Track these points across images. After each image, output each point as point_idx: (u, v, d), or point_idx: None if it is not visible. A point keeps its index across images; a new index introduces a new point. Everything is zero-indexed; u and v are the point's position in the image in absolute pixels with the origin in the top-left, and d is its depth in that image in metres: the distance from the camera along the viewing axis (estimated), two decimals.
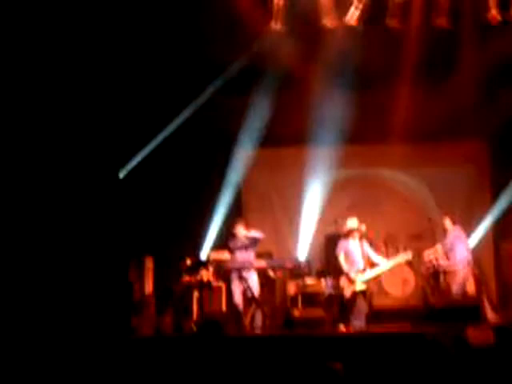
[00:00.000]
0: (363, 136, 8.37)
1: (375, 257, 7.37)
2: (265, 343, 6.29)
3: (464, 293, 7.47)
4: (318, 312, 7.47)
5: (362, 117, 8.01)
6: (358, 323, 6.99)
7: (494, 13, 7.23)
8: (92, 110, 7.31)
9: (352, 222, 7.41)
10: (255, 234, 7.46)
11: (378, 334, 6.32)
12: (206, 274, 7.66)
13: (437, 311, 6.60)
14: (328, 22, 7.39)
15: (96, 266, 7.06)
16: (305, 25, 7.52)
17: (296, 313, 7.49)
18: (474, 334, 4.28)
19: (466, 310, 6.15)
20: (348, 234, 7.35)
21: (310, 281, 8.01)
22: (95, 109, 7.33)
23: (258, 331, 7.15)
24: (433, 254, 7.74)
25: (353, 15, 7.36)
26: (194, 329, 7.10)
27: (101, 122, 7.38)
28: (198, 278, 7.59)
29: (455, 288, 7.48)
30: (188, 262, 7.73)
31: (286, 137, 8.59)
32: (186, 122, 8.21)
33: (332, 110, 7.97)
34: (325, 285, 7.91)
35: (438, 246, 7.74)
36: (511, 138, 8.76)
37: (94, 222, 7.18)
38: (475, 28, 7.57)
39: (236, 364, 5.16)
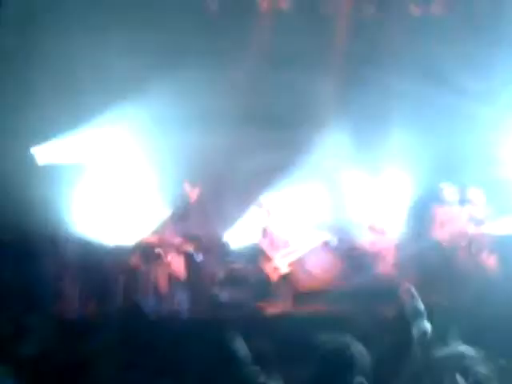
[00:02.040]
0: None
1: (298, 240, 7.51)
2: (190, 326, 6.31)
3: (385, 273, 7.69)
4: (244, 295, 7.52)
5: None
6: (284, 305, 7.10)
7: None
8: None
9: (276, 208, 7.54)
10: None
11: (303, 314, 6.45)
12: (132, 258, 7.55)
13: (358, 291, 6.78)
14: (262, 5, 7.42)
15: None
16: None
17: (223, 296, 7.52)
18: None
19: (385, 291, 6.33)
20: (269, 218, 7.49)
21: (237, 264, 8.05)
22: None
23: (184, 315, 7.13)
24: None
25: None
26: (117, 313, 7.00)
27: None
28: (123, 261, 7.47)
29: (377, 268, 7.70)
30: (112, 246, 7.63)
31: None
32: None
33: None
34: (251, 268, 7.97)
35: None
36: None
37: None
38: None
39: (160, 347, 5.14)
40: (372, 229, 7.85)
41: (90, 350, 5.06)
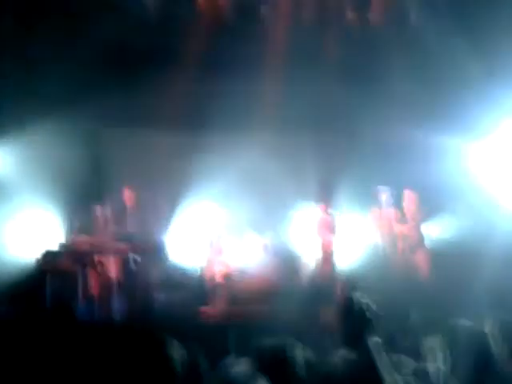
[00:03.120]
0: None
1: (236, 240, 7.50)
2: (124, 331, 6.14)
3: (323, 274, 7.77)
4: (181, 298, 7.41)
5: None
6: (221, 306, 7.04)
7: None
8: None
9: (213, 209, 7.52)
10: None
11: (240, 316, 6.41)
12: (61, 261, 7.28)
13: (297, 293, 6.81)
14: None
15: None
16: None
17: (158, 299, 7.38)
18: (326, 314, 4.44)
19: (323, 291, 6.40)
20: (211, 218, 7.46)
21: (173, 267, 7.92)
22: None
23: (116, 317, 6.94)
24: None
25: None
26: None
27: None
28: (52, 263, 7.18)
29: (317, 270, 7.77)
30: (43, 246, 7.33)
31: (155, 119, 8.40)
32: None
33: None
34: (188, 271, 7.87)
35: None
36: None
37: None
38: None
39: (88, 352, 4.97)
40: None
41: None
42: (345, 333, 3.17)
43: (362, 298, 3.26)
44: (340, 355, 3.05)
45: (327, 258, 7.76)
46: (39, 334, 5.65)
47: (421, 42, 7.88)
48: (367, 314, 3.17)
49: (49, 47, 7.37)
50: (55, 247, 7.56)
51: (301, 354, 2.81)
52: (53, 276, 7.09)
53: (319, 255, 7.76)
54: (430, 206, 8.08)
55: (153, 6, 7.85)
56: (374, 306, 3.21)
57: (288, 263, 7.76)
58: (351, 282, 3.61)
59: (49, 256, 7.24)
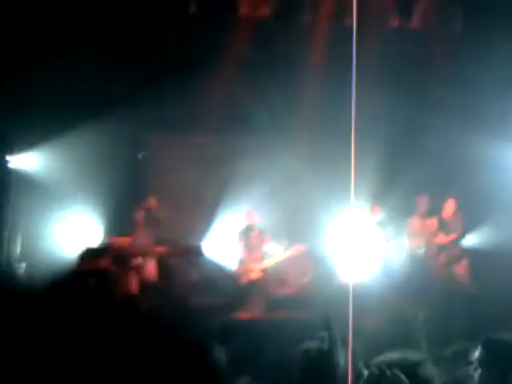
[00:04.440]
0: None
1: (273, 246, 7.50)
2: (163, 331, 6.18)
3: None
4: (216, 300, 7.43)
5: None
6: (256, 310, 7.04)
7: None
8: None
9: (251, 214, 7.54)
10: (158, 214, 7.35)
11: (274, 320, 6.39)
12: (103, 261, 7.39)
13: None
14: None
15: None
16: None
17: (195, 301, 7.42)
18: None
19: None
20: (248, 224, 7.48)
21: (209, 269, 7.96)
22: None
23: (154, 318, 6.99)
24: None
25: None
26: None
27: None
28: (93, 262, 7.30)
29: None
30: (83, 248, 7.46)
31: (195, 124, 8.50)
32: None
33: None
34: (224, 273, 7.90)
35: None
36: None
37: None
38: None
39: (128, 350, 5.03)
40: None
41: None
42: None
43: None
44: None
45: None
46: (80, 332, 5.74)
47: (465, 48, 7.74)
48: None
49: (97, 49, 7.52)
50: (96, 247, 7.70)
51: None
52: (93, 275, 7.21)
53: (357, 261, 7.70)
54: (473, 216, 7.92)
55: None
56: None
57: (324, 269, 7.73)
58: None
59: (89, 255, 7.36)
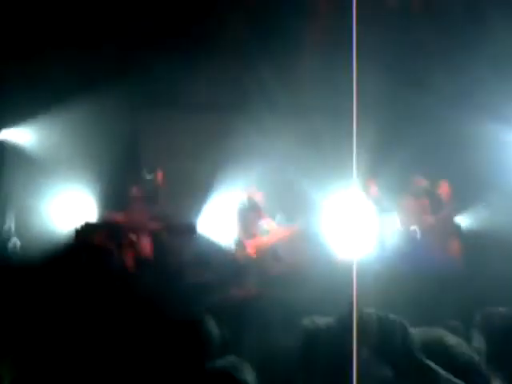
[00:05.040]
0: None
1: (269, 223, 7.50)
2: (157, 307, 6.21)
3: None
4: (211, 277, 7.46)
5: None
6: (250, 287, 7.06)
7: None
8: None
9: (250, 190, 7.51)
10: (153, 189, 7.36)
11: (270, 298, 6.40)
12: (97, 237, 7.37)
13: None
14: None
15: None
16: None
17: (190, 277, 7.44)
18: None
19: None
20: (244, 202, 7.47)
21: (204, 245, 7.97)
22: None
23: (149, 294, 7.01)
24: None
25: None
26: None
27: None
28: (87, 238, 7.28)
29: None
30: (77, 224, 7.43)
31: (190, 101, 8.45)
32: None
33: None
34: (219, 250, 7.91)
35: None
36: None
37: None
38: None
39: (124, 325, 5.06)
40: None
41: None
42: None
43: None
44: None
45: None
46: (76, 307, 5.75)
47: (465, 35, 7.72)
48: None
49: (90, 24, 7.44)
50: (90, 222, 7.68)
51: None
52: (88, 250, 7.20)
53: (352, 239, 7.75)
54: (466, 197, 7.99)
55: None
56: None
57: (320, 247, 7.77)
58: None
59: (84, 229, 7.35)
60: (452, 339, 2.50)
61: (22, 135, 8.06)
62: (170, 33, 7.68)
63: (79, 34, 7.31)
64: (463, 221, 8.24)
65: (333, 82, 7.52)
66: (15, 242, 7.70)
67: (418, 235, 7.92)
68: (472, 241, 7.85)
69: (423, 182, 8.05)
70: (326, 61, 7.74)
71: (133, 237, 7.21)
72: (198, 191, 8.54)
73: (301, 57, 7.91)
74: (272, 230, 7.57)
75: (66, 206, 8.09)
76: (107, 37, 7.50)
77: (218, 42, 7.82)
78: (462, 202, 8.03)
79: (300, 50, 7.90)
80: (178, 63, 7.74)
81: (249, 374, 2.73)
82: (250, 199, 7.50)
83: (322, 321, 2.71)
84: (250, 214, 7.44)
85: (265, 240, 7.46)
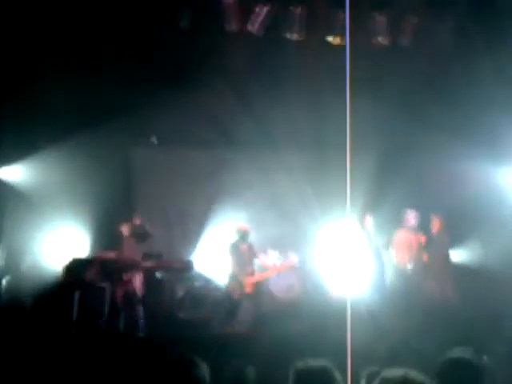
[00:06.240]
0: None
1: (262, 261, 7.53)
2: (144, 344, 6.15)
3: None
4: (204, 313, 7.40)
5: None
6: (245, 325, 7.01)
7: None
8: None
9: (242, 227, 7.53)
10: (144, 229, 7.34)
11: (264, 335, 6.36)
12: (89, 274, 7.31)
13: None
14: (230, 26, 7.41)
15: None
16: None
17: (182, 314, 7.38)
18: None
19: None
20: (238, 238, 7.47)
21: (198, 282, 7.93)
22: None
23: (141, 333, 6.95)
24: None
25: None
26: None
27: None
28: (79, 275, 7.22)
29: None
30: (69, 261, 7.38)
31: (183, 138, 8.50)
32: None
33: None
34: (213, 287, 7.86)
35: None
36: None
37: None
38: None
39: (113, 364, 4.99)
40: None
41: None
42: None
43: None
44: None
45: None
46: (65, 344, 5.68)
47: (456, 64, 7.83)
48: None
49: (86, 63, 7.51)
50: (82, 258, 7.64)
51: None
52: (80, 288, 7.14)
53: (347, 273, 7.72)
54: (458, 231, 8.00)
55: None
56: None
57: (314, 282, 7.74)
58: None
59: (76, 266, 7.28)
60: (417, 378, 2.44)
61: (14, 173, 8.05)
62: (160, 72, 7.76)
63: (73, 73, 7.36)
64: (456, 255, 8.24)
65: (326, 119, 7.60)
66: (7, 279, 7.60)
67: (412, 271, 7.91)
68: (466, 277, 7.82)
69: (415, 217, 8.05)
70: (319, 97, 7.82)
71: (126, 275, 7.16)
72: (192, 228, 8.52)
73: (295, 94, 8.00)
74: (267, 266, 7.58)
75: (58, 244, 8.03)
76: (101, 76, 7.56)
77: (212, 79, 7.91)
78: (455, 236, 8.02)
79: (294, 87, 8.00)
80: (171, 101, 7.81)
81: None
82: (240, 233, 7.49)
83: (316, 363, 2.65)
84: (242, 248, 7.42)
85: (260, 277, 7.44)
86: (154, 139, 8.62)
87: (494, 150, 7.74)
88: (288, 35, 7.90)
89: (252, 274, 7.37)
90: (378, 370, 3.45)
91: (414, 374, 2.36)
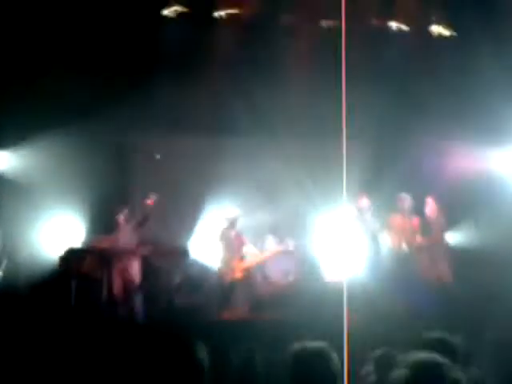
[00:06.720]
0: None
1: (256, 246, 7.58)
2: (142, 331, 6.19)
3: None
4: (200, 300, 7.43)
5: None
6: (239, 310, 7.05)
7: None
8: None
9: (234, 212, 7.56)
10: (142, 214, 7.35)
11: (258, 320, 6.41)
12: (85, 263, 7.33)
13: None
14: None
15: None
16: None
17: (179, 301, 7.42)
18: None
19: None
20: (230, 223, 7.49)
21: (193, 269, 7.95)
22: None
23: (138, 320, 6.99)
24: None
25: None
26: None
27: None
28: (76, 263, 7.24)
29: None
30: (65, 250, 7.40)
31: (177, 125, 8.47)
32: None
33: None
34: (208, 273, 7.89)
35: None
36: None
37: None
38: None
39: (111, 351, 5.02)
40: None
41: None
42: None
43: None
44: None
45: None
46: (63, 332, 5.71)
47: (447, 51, 7.82)
48: None
49: (80, 49, 7.48)
50: (79, 247, 7.64)
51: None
52: (77, 276, 7.16)
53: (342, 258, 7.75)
54: (454, 214, 8.02)
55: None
56: None
57: (309, 267, 7.77)
58: None
59: (72, 255, 7.30)
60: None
61: (11, 160, 8.02)
62: (156, 59, 7.72)
63: (67, 60, 7.32)
64: (452, 238, 8.26)
65: (322, 104, 7.59)
66: (3, 267, 7.59)
67: (408, 254, 7.94)
68: (462, 260, 7.85)
69: (408, 200, 8.05)
70: (316, 82, 7.80)
71: (122, 262, 7.17)
72: (188, 215, 8.52)
73: (291, 80, 7.97)
74: (258, 252, 7.63)
75: (54, 231, 8.01)
76: (97, 62, 7.54)
77: (209, 66, 7.88)
78: (451, 219, 8.04)
79: (290, 73, 7.97)
80: (167, 89, 7.78)
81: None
82: (229, 219, 7.53)
83: (313, 345, 2.65)
84: (234, 237, 7.46)
85: (251, 262, 7.49)
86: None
87: (491, 133, 7.74)
88: (282, 20, 7.90)
89: (243, 259, 7.42)
90: (388, 352, 3.48)
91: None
